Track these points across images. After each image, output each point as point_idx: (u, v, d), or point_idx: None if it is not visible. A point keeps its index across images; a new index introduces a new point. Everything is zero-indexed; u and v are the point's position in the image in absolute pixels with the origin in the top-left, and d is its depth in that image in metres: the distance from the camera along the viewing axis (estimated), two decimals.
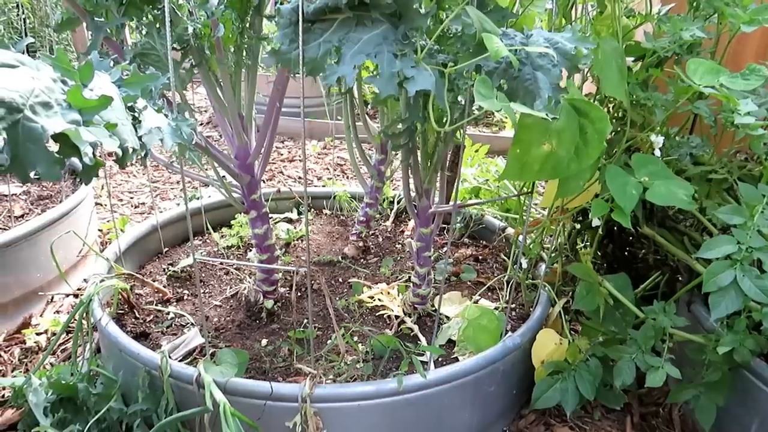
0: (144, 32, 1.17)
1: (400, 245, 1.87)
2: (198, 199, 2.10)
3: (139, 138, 0.73)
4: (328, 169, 3.20)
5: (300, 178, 3.04)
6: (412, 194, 1.32)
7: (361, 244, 1.79)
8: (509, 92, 0.89)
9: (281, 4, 1.47)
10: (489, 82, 0.81)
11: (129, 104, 0.75)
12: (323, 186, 2.82)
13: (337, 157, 3.39)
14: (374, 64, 0.86)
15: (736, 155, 1.32)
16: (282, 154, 3.42)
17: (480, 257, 1.78)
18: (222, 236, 1.84)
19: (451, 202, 1.62)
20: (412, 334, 1.38)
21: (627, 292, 1.29)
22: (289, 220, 2.01)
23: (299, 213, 2.06)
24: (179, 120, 0.81)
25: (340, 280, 1.64)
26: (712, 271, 0.97)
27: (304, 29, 0.85)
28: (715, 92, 1.04)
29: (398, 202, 2.08)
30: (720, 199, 1.23)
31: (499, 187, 2.18)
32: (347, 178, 3.08)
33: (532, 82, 0.87)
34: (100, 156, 0.92)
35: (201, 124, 3.97)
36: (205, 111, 4.22)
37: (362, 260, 1.76)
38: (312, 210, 2.12)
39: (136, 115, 0.75)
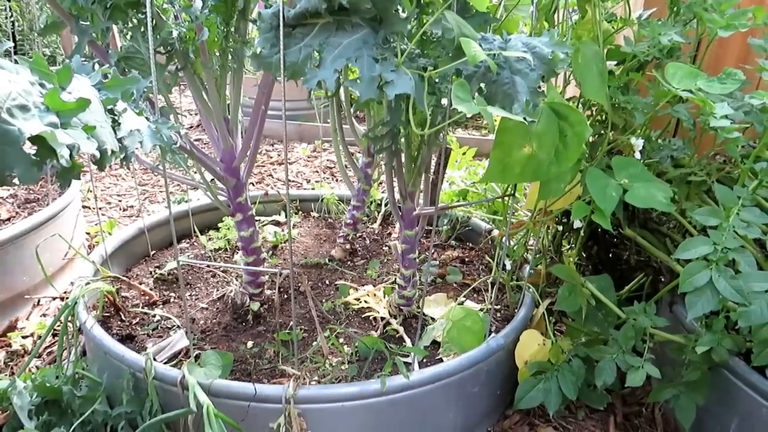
0: (129, 36, 1.18)
1: (386, 247, 1.88)
2: (186, 201, 2.11)
3: (119, 140, 0.74)
4: (317, 171, 3.20)
5: (290, 180, 3.05)
6: (397, 197, 1.33)
7: (348, 246, 1.80)
8: (488, 96, 0.91)
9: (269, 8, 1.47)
10: (466, 86, 0.83)
11: (109, 107, 0.76)
12: (312, 189, 2.83)
13: (327, 159, 3.40)
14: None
15: (715, 157, 1.34)
16: (272, 157, 3.42)
17: (466, 259, 1.79)
18: (209, 239, 1.84)
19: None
20: (397, 335, 1.38)
21: (609, 293, 1.30)
22: (277, 223, 2.01)
23: (287, 216, 2.07)
24: (160, 123, 0.81)
25: (327, 282, 1.64)
26: (689, 271, 0.99)
27: (285, 34, 0.86)
28: (692, 96, 1.06)
29: (385, 205, 2.09)
30: (699, 200, 1.25)
31: (486, 190, 2.19)
32: (336, 180, 3.09)
33: (510, 85, 0.88)
34: (83, 160, 0.92)
35: (191, 127, 3.97)
36: (195, 114, 4.21)
37: (349, 262, 1.77)
38: (300, 212, 2.12)
39: (116, 117, 0.76)
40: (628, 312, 1.21)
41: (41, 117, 0.63)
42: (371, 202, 2.08)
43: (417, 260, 1.42)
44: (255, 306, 1.44)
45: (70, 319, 1.31)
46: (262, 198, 2.06)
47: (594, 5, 1.21)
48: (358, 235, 1.89)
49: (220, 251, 1.80)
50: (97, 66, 1.22)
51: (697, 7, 1.25)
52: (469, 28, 0.89)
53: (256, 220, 1.54)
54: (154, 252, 1.78)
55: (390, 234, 1.98)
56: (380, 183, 2.02)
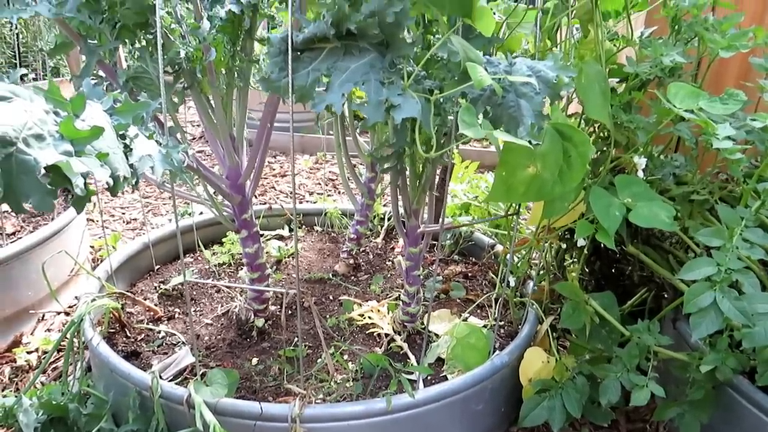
0: (136, 56, 1.19)
1: (390, 262, 1.89)
2: (189, 214, 2.12)
3: (131, 166, 0.75)
4: (319, 183, 3.21)
5: (292, 193, 3.06)
6: (401, 210, 1.34)
7: (351, 261, 1.81)
8: (494, 118, 0.92)
9: (272, 28, 1.49)
10: (473, 110, 0.84)
11: (121, 132, 0.77)
12: (314, 202, 2.84)
13: (329, 171, 3.41)
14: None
15: (717, 175, 1.35)
16: (274, 169, 3.43)
17: (469, 274, 1.80)
18: (213, 253, 1.85)
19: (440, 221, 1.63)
20: (401, 352, 1.39)
21: (613, 310, 1.31)
22: (280, 237, 2.02)
23: (290, 230, 2.08)
24: (170, 147, 0.82)
25: (331, 297, 1.65)
26: (693, 292, 0.99)
27: (293, 58, 0.87)
28: (694, 117, 1.07)
29: (389, 219, 2.10)
30: (702, 219, 1.26)
31: (488, 204, 2.20)
32: (339, 193, 3.10)
33: (515, 109, 0.89)
34: (92, 181, 0.93)
35: (193, 139, 3.99)
36: (198, 125, 4.23)
37: (353, 277, 1.77)
38: (303, 226, 2.13)
39: (128, 142, 0.77)
40: (632, 330, 1.21)
41: (56, 145, 0.64)
42: (374, 217, 2.09)
43: (421, 277, 1.42)
44: (260, 322, 1.45)
45: (75, 335, 1.32)
46: (265, 212, 2.07)
47: (596, 25, 1.23)
48: (361, 249, 1.90)
49: (224, 266, 1.80)
50: (105, 84, 1.24)
51: (698, 27, 1.27)
52: (474, 52, 0.90)
53: (260, 235, 1.55)
54: (158, 266, 1.78)
55: (393, 248, 1.98)
56: (383, 195, 2.03)
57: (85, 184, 0.64)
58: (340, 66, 0.87)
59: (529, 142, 0.88)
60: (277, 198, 2.99)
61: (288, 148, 3.77)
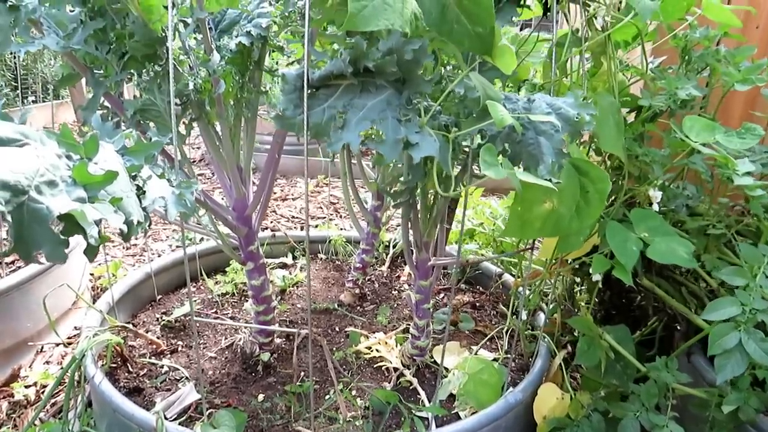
0: (144, 87, 1.17)
1: (396, 291, 1.86)
2: (189, 240, 2.09)
3: (144, 209, 0.72)
4: (321, 207, 3.19)
5: (293, 217, 3.03)
6: (412, 245, 1.31)
7: (357, 290, 1.78)
8: (512, 156, 0.90)
9: (272, 53, 1.47)
10: (494, 150, 0.82)
11: (133, 174, 0.74)
12: (316, 226, 2.81)
13: (331, 195, 3.39)
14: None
15: (733, 208, 1.33)
16: (275, 193, 3.41)
17: (477, 304, 1.77)
18: (216, 282, 1.82)
19: (449, 251, 1.61)
20: (411, 387, 1.35)
21: (627, 344, 1.28)
22: (284, 265, 1.99)
23: (294, 257, 2.05)
24: (182, 187, 0.80)
25: (337, 329, 1.62)
26: (717, 333, 0.97)
27: (308, 95, 0.85)
28: (712, 152, 1.05)
29: (394, 246, 2.07)
30: (718, 253, 1.24)
31: (494, 230, 2.18)
32: (341, 217, 3.07)
33: (535, 146, 0.88)
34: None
35: (194, 162, 3.97)
36: (197, 147, 4.21)
37: (359, 307, 1.74)
38: None
39: (140, 184, 0.74)
40: (650, 368, 1.18)
41: (69, 192, 0.61)
42: (379, 244, 2.07)
43: (430, 309, 1.39)
44: (265, 356, 1.41)
45: (76, 370, 1.28)
46: (269, 240, 2.04)
47: (609, 57, 1.22)
48: (366, 278, 1.87)
49: (227, 296, 1.77)
50: (111, 115, 1.22)
51: (710, 59, 1.26)
52: (493, 89, 0.89)
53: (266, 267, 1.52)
54: (160, 296, 1.75)
55: (399, 277, 1.95)
56: (389, 220, 2.01)
57: (98, 231, 0.61)
58: (357, 103, 0.85)
59: (549, 180, 0.86)
60: (278, 222, 2.97)
61: (289, 171, 3.75)
